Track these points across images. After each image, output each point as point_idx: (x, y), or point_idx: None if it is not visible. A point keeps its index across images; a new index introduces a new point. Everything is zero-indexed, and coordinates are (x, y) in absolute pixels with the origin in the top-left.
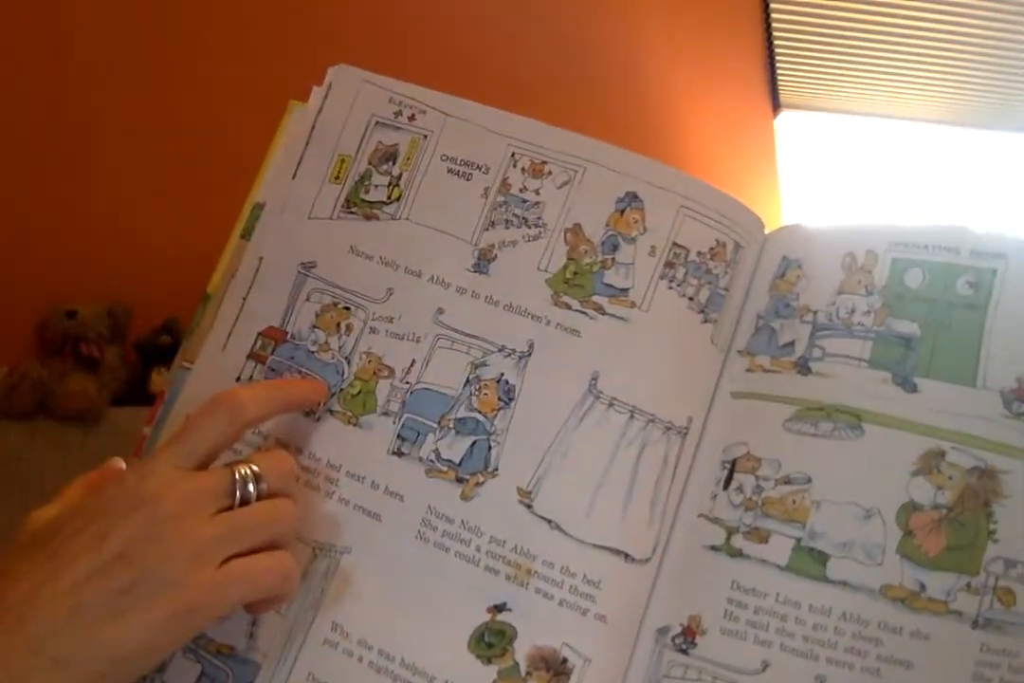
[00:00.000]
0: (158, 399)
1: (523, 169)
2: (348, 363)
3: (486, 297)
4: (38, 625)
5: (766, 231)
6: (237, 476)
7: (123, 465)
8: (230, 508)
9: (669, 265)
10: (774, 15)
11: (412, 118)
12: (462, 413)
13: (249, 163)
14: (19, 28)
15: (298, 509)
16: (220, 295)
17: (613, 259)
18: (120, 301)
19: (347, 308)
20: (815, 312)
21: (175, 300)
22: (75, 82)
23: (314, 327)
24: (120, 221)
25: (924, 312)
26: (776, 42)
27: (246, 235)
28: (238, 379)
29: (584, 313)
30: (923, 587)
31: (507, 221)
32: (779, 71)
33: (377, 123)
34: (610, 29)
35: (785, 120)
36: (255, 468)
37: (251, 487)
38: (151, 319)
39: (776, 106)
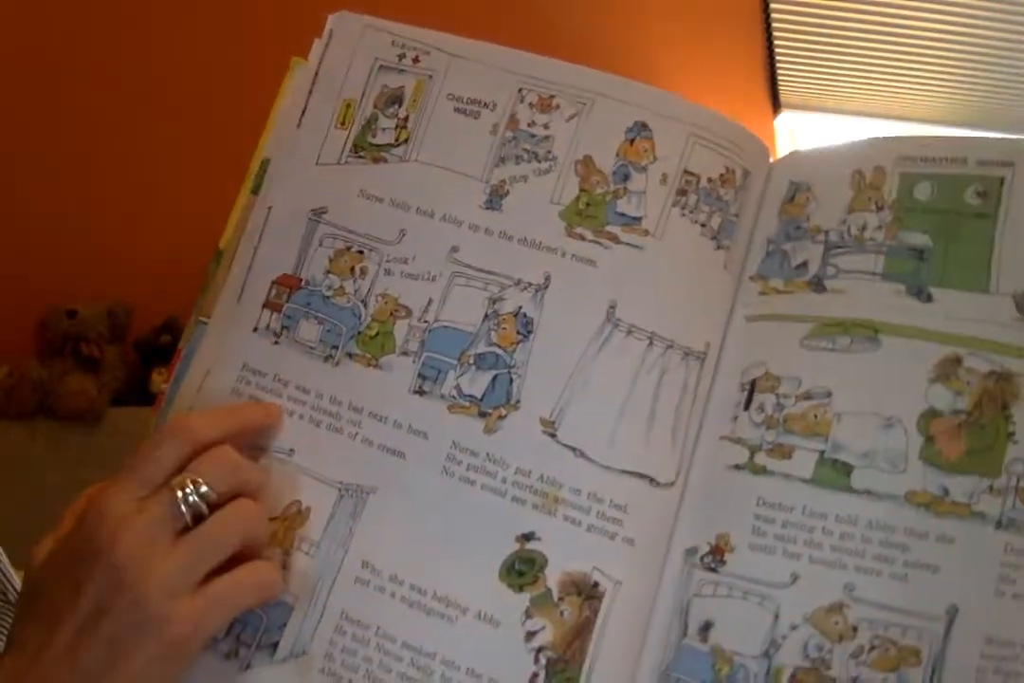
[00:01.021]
0: (175, 356)
1: (531, 104)
2: (365, 306)
3: (500, 232)
4: None
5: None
6: (179, 494)
7: None
8: (185, 528)
9: (681, 192)
10: (774, 15)
11: (416, 60)
12: (481, 348)
13: (250, 164)
14: (18, 27)
15: (260, 506)
16: (232, 250)
17: (625, 188)
18: (120, 301)
19: (360, 251)
20: (826, 231)
21: (175, 300)
22: (74, 82)
23: (328, 272)
24: (120, 221)
25: (935, 223)
26: (776, 42)
27: (256, 191)
28: (255, 329)
29: (599, 243)
30: (946, 491)
31: (517, 157)
32: (779, 71)
33: (381, 67)
34: (610, 29)
35: (785, 120)
36: (195, 478)
37: (196, 499)
38: (151, 319)
39: (776, 106)
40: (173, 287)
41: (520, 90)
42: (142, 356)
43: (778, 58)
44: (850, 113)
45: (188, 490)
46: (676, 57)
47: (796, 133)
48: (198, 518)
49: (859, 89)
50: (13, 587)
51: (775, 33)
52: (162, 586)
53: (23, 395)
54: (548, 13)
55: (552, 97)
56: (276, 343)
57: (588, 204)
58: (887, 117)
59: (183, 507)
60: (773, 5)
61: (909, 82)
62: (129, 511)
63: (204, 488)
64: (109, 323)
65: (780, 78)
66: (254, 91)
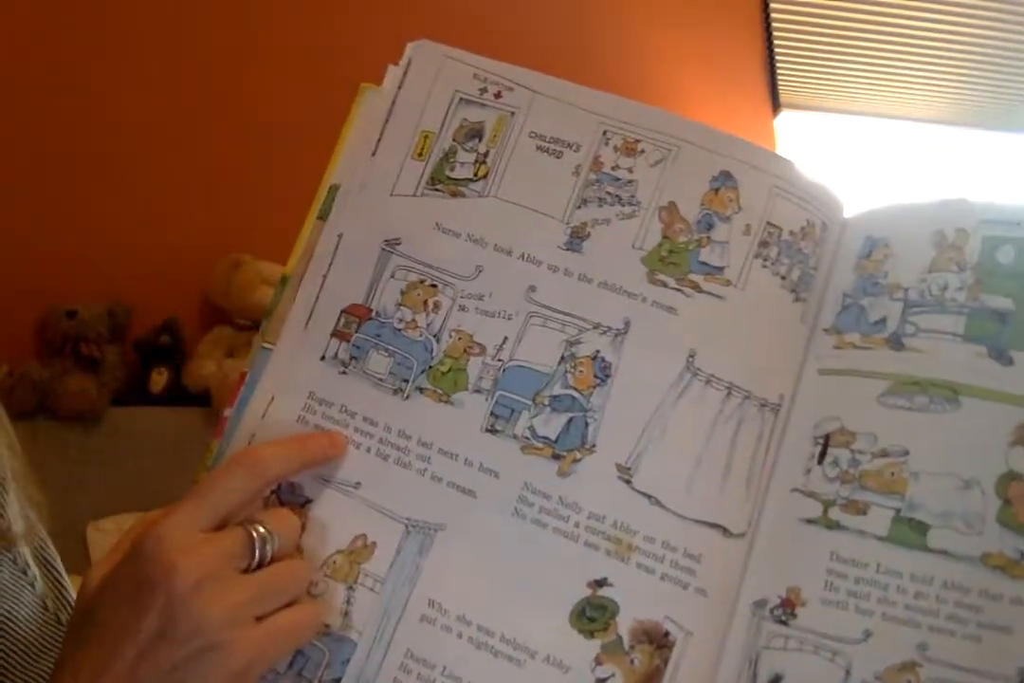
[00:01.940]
0: (239, 380)
1: (615, 147)
2: (437, 340)
3: (580, 275)
4: None
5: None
6: (255, 535)
7: None
8: (247, 568)
9: (763, 244)
10: (774, 15)
11: (498, 95)
12: (557, 390)
13: (252, 164)
14: (17, 25)
15: (309, 567)
16: (299, 276)
17: (708, 237)
18: (120, 301)
19: (434, 285)
20: (906, 289)
21: (175, 300)
22: (74, 82)
23: (400, 305)
24: (120, 221)
25: (1017, 288)
26: (776, 42)
27: (323, 216)
28: (323, 357)
29: (680, 291)
30: (1023, 555)
31: (600, 199)
32: (779, 71)
33: (461, 99)
34: (610, 29)
35: (785, 120)
36: (267, 528)
37: (268, 547)
38: (151, 319)
39: (776, 106)
40: (173, 287)
41: (605, 132)
42: (142, 356)
43: (778, 58)
44: (850, 113)
45: (265, 535)
46: (676, 57)
47: (796, 133)
48: (260, 564)
49: (859, 89)
50: (69, 607)
51: (775, 33)
52: (228, 614)
53: (23, 395)
54: (548, 14)
55: (637, 141)
56: (344, 373)
57: (671, 251)
58: (887, 117)
59: (256, 548)
60: (773, 5)
61: (909, 82)
62: (195, 540)
63: (275, 540)
64: (109, 323)
65: (780, 78)
66: (256, 93)
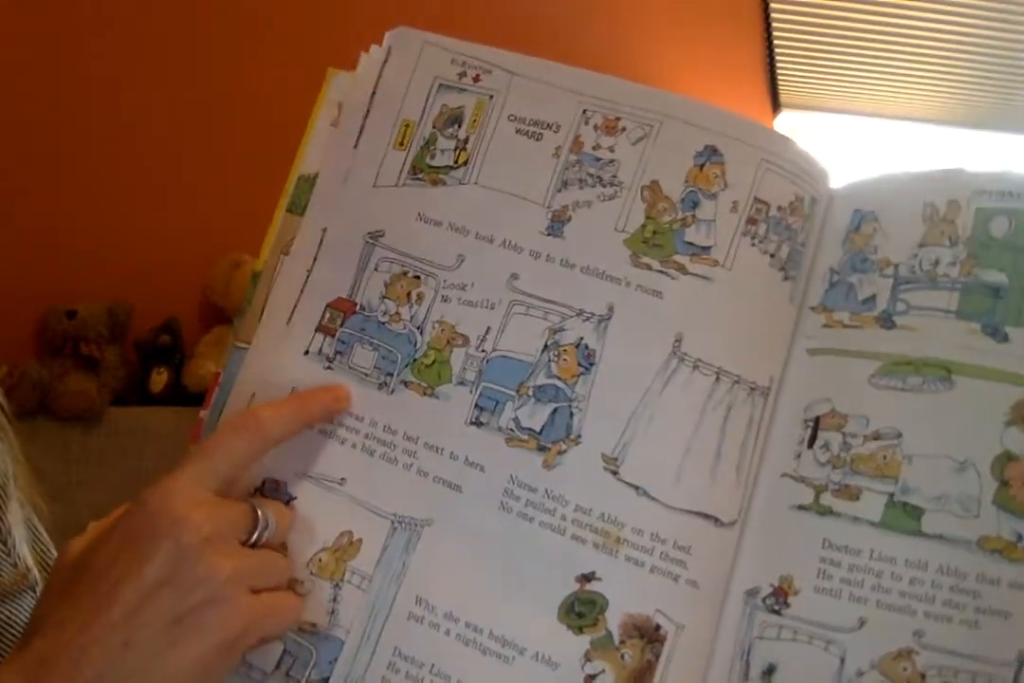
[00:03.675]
0: (212, 382)
1: (595, 126)
2: (421, 333)
3: (562, 260)
4: (94, 666)
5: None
6: (260, 516)
7: None
8: (243, 544)
9: (751, 221)
10: (774, 15)
11: (477, 79)
12: (541, 380)
13: (251, 163)
14: (19, 26)
15: (291, 564)
16: (272, 271)
17: (694, 216)
18: (120, 301)
19: (417, 277)
20: (896, 265)
21: (175, 300)
22: (74, 82)
23: (384, 297)
24: (120, 221)
25: (1012, 261)
26: (776, 42)
27: (293, 209)
28: (306, 352)
29: (665, 273)
30: (1020, 537)
31: (581, 181)
32: (779, 71)
33: (441, 85)
34: (610, 29)
35: (785, 120)
36: (267, 513)
37: (266, 532)
38: (151, 319)
39: (776, 106)
40: (173, 287)
41: (584, 111)
42: (142, 356)
43: (778, 58)
44: (850, 113)
45: (267, 519)
46: (676, 57)
47: (796, 133)
48: (254, 545)
49: (859, 89)
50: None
51: (775, 33)
52: (233, 572)
53: (23, 395)
54: (548, 14)
55: (618, 119)
56: (329, 368)
57: (655, 232)
58: (887, 117)
59: (258, 526)
60: (773, 5)
61: (909, 82)
62: (204, 498)
63: (272, 528)
64: (109, 323)
65: (780, 78)
66: (255, 92)
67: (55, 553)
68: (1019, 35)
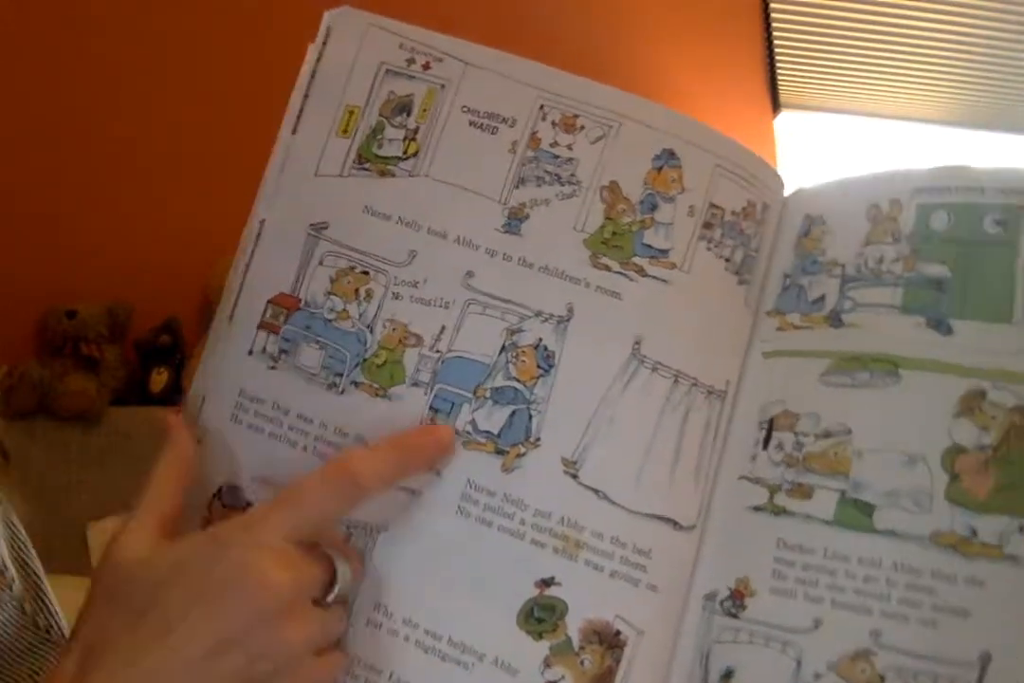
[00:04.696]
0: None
1: (553, 122)
2: (371, 331)
3: (519, 259)
4: None
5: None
6: (339, 577)
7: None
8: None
9: (707, 226)
10: (774, 15)
11: (427, 66)
12: (499, 382)
13: (251, 163)
14: (20, 26)
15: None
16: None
17: (652, 219)
18: (120, 301)
19: (365, 272)
20: (843, 265)
21: (175, 300)
22: (74, 82)
23: (329, 293)
24: (120, 221)
25: (953, 254)
26: (776, 42)
27: None
28: (250, 352)
29: (624, 275)
30: (974, 532)
31: (538, 178)
32: (779, 71)
33: (387, 71)
34: (610, 30)
35: (785, 120)
36: (343, 568)
37: (340, 589)
38: (151, 319)
39: (776, 106)
40: (173, 287)
41: (542, 107)
42: (142, 356)
43: (778, 58)
44: (850, 113)
45: (345, 575)
46: (676, 57)
47: (796, 133)
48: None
49: (859, 89)
50: (58, 625)
51: (775, 33)
52: (304, 644)
53: (23, 395)
54: (547, 14)
55: (576, 117)
56: (273, 368)
57: (614, 233)
58: (887, 117)
59: (336, 588)
60: (773, 5)
61: (909, 82)
62: (292, 556)
63: (347, 585)
64: (109, 323)
65: (780, 78)
66: (256, 92)
67: (32, 551)
68: (1019, 35)
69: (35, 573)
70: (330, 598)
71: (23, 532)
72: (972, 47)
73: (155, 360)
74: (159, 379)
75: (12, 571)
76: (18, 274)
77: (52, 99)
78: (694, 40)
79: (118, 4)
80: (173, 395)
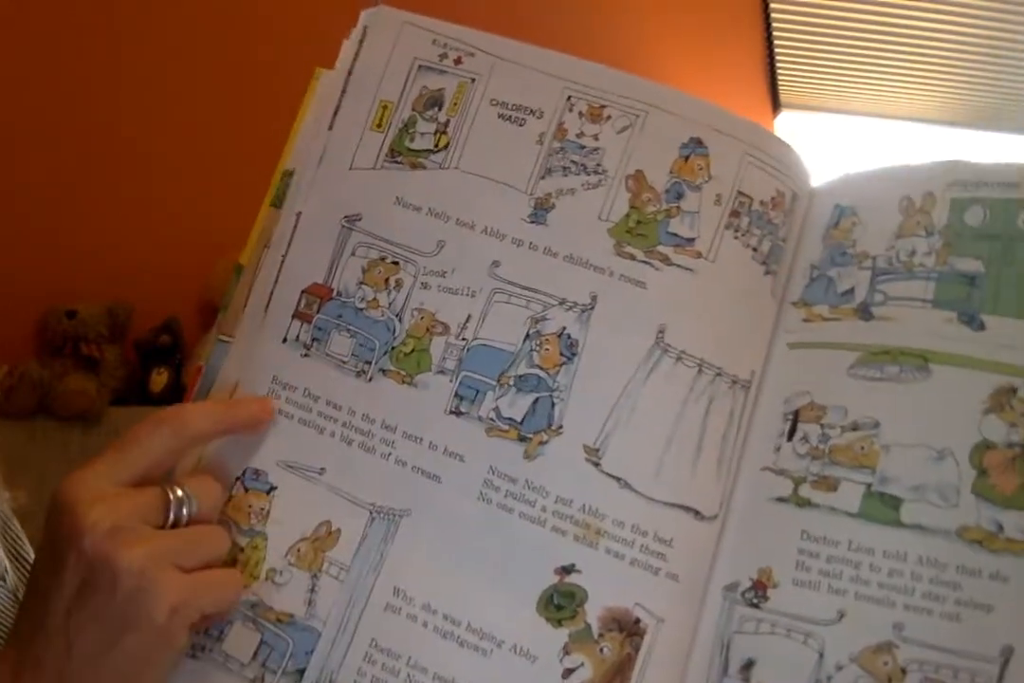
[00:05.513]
0: (194, 376)
1: (580, 113)
2: (399, 320)
3: (544, 248)
4: (48, 675)
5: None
6: (172, 497)
7: None
8: (161, 527)
9: (734, 214)
10: (774, 15)
11: (458, 61)
12: (523, 370)
13: (251, 163)
14: (20, 25)
15: (227, 535)
16: (253, 265)
17: (678, 207)
18: (120, 301)
19: (396, 262)
20: (874, 257)
21: (175, 300)
22: (74, 83)
23: (361, 283)
24: (120, 221)
25: (986, 249)
26: (776, 42)
27: (276, 203)
28: (284, 340)
29: (649, 264)
30: (1000, 527)
31: (564, 168)
32: (779, 71)
33: (420, 67)
34: (610, 29)
35: (785, 120)
36: (187, 491)
37: (184, 510)
38: (151, 319)
39: (776, 106)
40: (173, 287)
41: (569, 98)
42: (142, 356)
43: (778, 58)
44: (850, 113)
45: (181, 498)
46: (676, 57)
47: (796, 133)
48: (175, 525)
49: (859, 89)
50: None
51: (775, 33)
52: (145, 557)
53: (23, 395)
54: (547, 13)
55: (603, 107)
56: (306, 355)
57: (639, 222)
58: (887, 117)
59: (171, 508)
60: (773, 5)
61: (909, 82)
62: (107, 492)
63: (193, 508)
64: (109, 323)
65: (780, 78)
66: (256, 91)
67: (27, 544)
68: (1019, 35)
69: (28, 564)
70: (172, 519)
71: (17, 524)
72: (971, 47)
73: (155, 360)
74: (159, 379)
75: (5, 562)
76: (18, 274)
77: (52, 99)
78: (694, 40)
79: (118, 4)
80: (173, 395)
